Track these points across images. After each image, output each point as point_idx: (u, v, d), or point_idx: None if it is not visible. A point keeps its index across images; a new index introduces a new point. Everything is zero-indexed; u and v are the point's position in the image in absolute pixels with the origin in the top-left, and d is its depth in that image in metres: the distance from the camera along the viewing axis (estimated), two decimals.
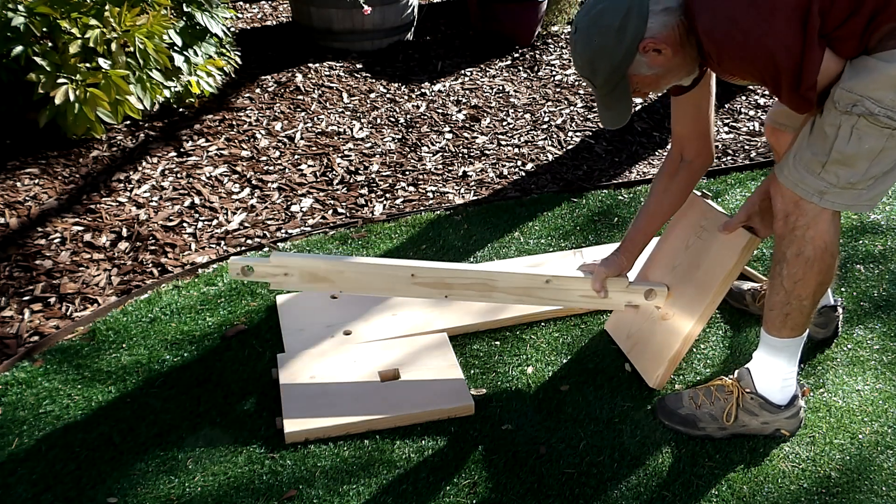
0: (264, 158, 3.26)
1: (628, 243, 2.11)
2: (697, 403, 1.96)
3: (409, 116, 3.64)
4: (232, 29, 4.36)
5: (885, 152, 1.62)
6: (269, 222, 2.86)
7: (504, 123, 3.62)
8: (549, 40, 4.52)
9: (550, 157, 3.34)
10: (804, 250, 1.73)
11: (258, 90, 3.80)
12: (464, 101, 3.81)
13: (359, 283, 2.04)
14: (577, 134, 3.54)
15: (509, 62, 4.25)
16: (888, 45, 1.54)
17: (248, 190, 3.06)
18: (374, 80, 3.97)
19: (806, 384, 2.11)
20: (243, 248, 2.70)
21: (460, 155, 3.35)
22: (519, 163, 3.29)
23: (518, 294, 2.10)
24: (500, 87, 3.96)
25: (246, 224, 2.85)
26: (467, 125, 3.60)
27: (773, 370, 1.90)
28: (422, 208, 2.95)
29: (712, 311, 2.03)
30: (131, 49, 3.02)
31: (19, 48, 2.78)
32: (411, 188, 3.10)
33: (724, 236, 2.00)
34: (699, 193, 2.15)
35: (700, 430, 1.94)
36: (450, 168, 3.25)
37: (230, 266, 1.99)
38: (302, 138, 3.43)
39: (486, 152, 3.37)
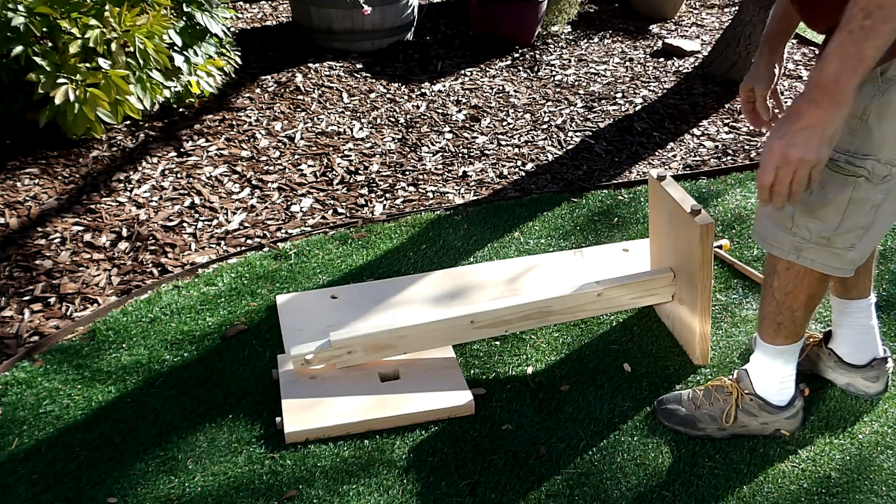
0: (264, 158, 3.26)
1: (769, 43, 1.78)
2: (697, 404, 1.96)
3: (409, 116, 3.64)
4: (232, 29, 4.36)
5: (854, 204, 1.53)
6: (269, 222, 2.86)
7: (504, 123, 3.62)
8: (549, 40, 4.52)
9: (550, 157, 3.34)
10: (795, 264, 1.69)
11: (258, 90, 3.81)
12: (464, 101, 3.81)
13: (422, 342, 2.12)
14: (577, 134, 3.54)
15: (509, 62, 4.25)
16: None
17: (248, 190, 3.06)
18: (374, 80, 3.97)
19: (805, 385, 2.11)
20: (243, 248, 2.70)
21: (460, 155, 3.35)
22: (519, 163, 3.30)
23: (574, 312, 2.20)
24: (500, 87, 3.96)
25: (246, 224, 2.85)
26: (467, 125, 3.60)
27: (771, 372, 1.90)
28: (422, 208, 2.95)
29: (709, 297, 2.06)
30: (131, 49, 3.02)
31: (19, 48, 2.78)
32: (411, 188, 3.10)
33: (685, 226, 2.00)
34: (655, 176, 2.15)
35: (700, 430, 1.94)
36: (450, 168, 3.25)
37: (293, 358, 2.05)
38: (302, 138, 3.43)
39: (486, 152, 3.37)
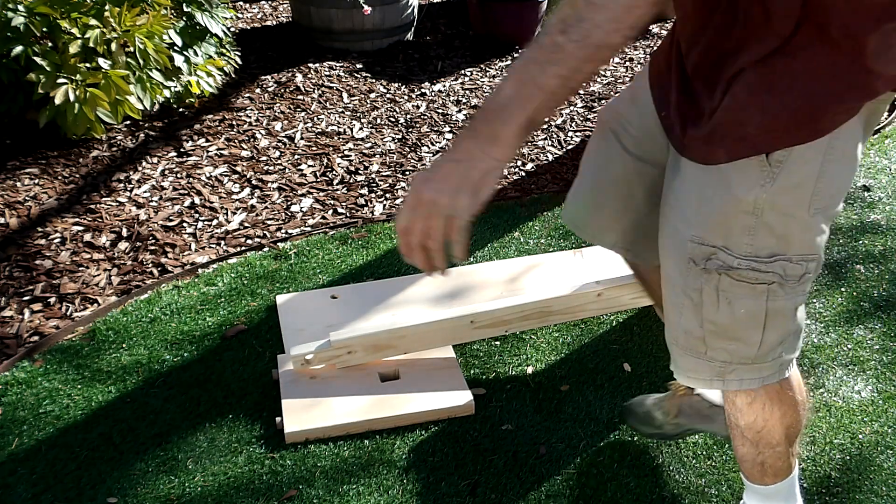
0: (264, 158, 3.26)
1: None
2: None
3: (409, 116, 3.64)
4: (232, 29, 4.36)
5: (774, 316, 1.24)
6: (269, 222, 2.86)
7: None
8: None
9: (550, 157, 3.34)
10: (757, 396, 1.37)
11: (258, 90, 3.81)
12: (464, 101, 3.81)
13: (422, 342, 2.12)
14: (577, 134, 3.54)
15: (509, 62, 4.25)
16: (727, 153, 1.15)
17: (248, 190, 3.06)
18: (374, 80, 3.97)
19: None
20: (243, 248, 2.70)
21: None
22: (519, 163, 3.30)
23: (574, 312, 2.21)
24: None
25: (246, 224, 2.85)
26: (467, 125, 3.59)
27: None
28: None
29: None
30: (131, 49, 3.02)
31: (19, 48, 2.78)
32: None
33: None
34: None
35: None
36: None
37: (293, 358, 2.05)
38: (302, 138, 3.43)
39: None
